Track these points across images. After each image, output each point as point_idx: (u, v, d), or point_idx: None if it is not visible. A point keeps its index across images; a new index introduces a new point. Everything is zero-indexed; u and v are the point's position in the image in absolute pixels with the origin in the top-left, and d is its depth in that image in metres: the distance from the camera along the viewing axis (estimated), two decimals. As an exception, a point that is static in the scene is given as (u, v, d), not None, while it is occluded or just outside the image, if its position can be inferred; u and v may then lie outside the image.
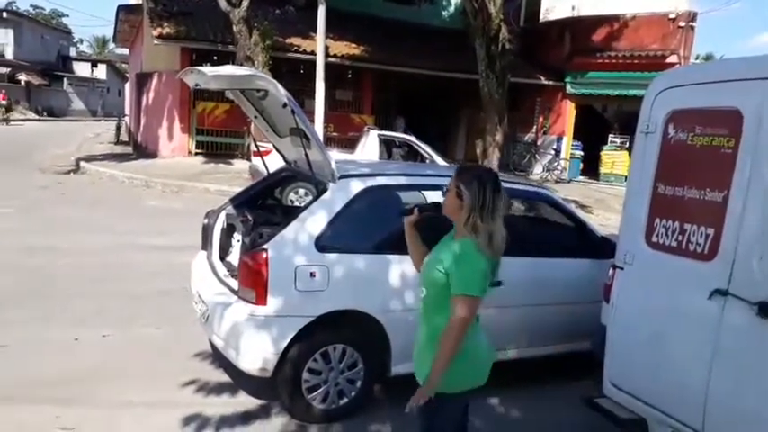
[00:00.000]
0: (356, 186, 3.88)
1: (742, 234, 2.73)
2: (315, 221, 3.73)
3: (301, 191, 8.99)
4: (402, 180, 4.28)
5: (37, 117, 38.27)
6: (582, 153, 19.21)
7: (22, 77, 40.67)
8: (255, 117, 4.67)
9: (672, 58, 16.87)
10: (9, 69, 40.31)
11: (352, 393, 3.85)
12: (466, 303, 2.37)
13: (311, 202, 3.86)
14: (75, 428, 3.49)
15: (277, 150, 4.86)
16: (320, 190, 3.89)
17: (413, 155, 11.98)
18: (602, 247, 4.30)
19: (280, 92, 3.66)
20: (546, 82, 19.27)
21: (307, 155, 3.93)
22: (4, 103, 34.28)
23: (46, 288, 5.93)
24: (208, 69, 3.79)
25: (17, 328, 4.87)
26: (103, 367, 4.31)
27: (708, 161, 2.95)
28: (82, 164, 15.42)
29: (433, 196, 4.41)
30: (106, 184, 13.64)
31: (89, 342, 4.72)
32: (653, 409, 3.10)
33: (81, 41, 65.20)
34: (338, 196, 3.82)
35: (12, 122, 31.75)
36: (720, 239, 2.83)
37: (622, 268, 3.37)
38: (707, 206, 2.91)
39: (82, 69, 51.17)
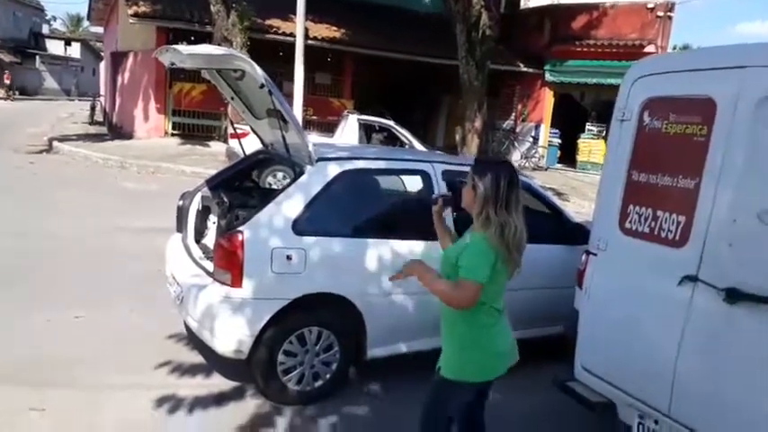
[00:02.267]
0: (333, 169, 3.86)
1: (712, 221, 2.78)
2: (292, 204, 3.71)
3: (280, 174, 8.90)
4: (380, 164, 4.28)
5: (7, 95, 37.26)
6: (560, 141, 19.37)
7: (-7, 55, 39.55)
8: (232, 98, 4.61)
9: (649, 48, 17.03)
10: (-21, 46, 39.20)
11: (328, 376, 3.87)
12: (469, 286, 2.40)
13: (288, 185, 3.84)
14: (47, 409, 3.45)
15: (254, 132, 4.82)
16: (297, 172, 3.87)
17: (392, 140, 11.95)
18: (576, 234, 4.35)
19: (257, 72, 3.62)
20: (525, 69, 19.32)
21: (284, 137, 3.90)
22: (7, 82, 36.76)
23: (21, 272, 5.80)
24: (183, 48, 3.72)
25: (-12, 311, 4.78)
26: (76, 349, 4.25)
27: (681, 149, 2.99)
28: (55, 144, 15.09)
29: (410, 181, 4.44)
30: (80, 164, 13.38)
31: (62, 324, 4.65)
32: (621, 392, 3.15)
33: (54, 19, 63.25)
34: (315, 179, 3.80)
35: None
36: (691, 226, 2.87)
37: (596, 254, 3.41)
38: (679, 193, 2.95)
39: (55, 47, 49.84)
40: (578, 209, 11.67)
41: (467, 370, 2.55)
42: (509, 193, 2.45)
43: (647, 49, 16.94)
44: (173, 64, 3.99)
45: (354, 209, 4.11)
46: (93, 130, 19.70)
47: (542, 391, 3.64)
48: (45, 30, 52.98)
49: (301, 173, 3.84)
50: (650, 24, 17.59)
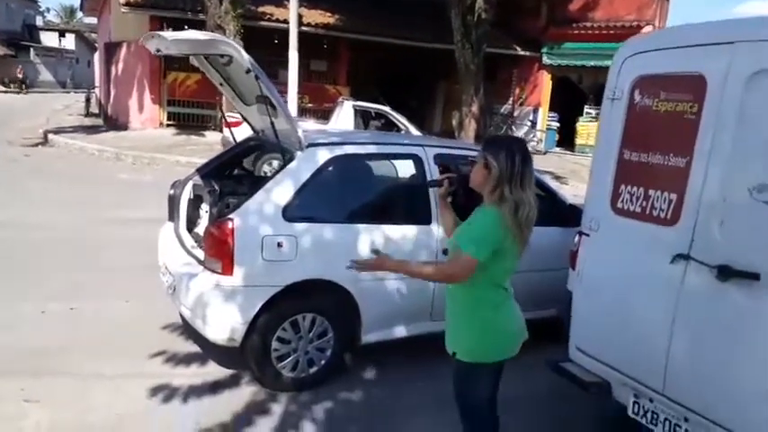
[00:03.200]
0: (324, 155, 3.83)
1: (703, 199, 2.76)
2: (281, 191, 3.68)
3: (275, 162, 8.85)
4: (370, 149, 4.24)
5: (3, 89, 37.13)
6: (558, 124, 19.28)
7: (-14, 47, 39.38)
8: (221, 84, 4.57)
9: (647, 29, 16.88)
10: (-28, 39, 39.01)
11: (322, 362, 3.86)
12: (463, 260, 2.39)
13: (278, 171, 3.81)
14: (41, 400, 3.45)
15: (244, 119, 4.78)
16: (287, 159, 3.83)
17: (389, 126, 11.89)
18: (569, 215, 4.32)
19: (243, 57, 3.57)
20: (522, 53, 19.20)
21: (272, 123, 3.86)
22: (20, 75, 38.88)
23: (14, 262, 5.80)
24: (168, 34, 3.67)
25: (-20, 302, 4.77)
26: (71, 340, 4.25)
27: (672, 127, 2.96)
28: (50, 136, 15.05)
29: (402, 165, 4.40)
30: (76, 156, 13.34)
31: (57, 315, 4.64)
32: (616, 371, 3.15)
33: (48, 10, 63.41)
34: (305, 165, 3.77)
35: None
36: (683, 205, 2.85)
37: (588, 235, 3.39)
38: (670, 172, 2.92)
39: (49, 39, 49.59)
40: (577, 191, 11.61)
41: (485, 351, 2.54)
42: (523, 170, 2.42)
43: (644, 30, 16.79)
44: (158, 51, 3.94)
45: (345, 194, 4.08)
46: (88, 121, 19.63)
47: (538, 372, 3.63)
48: (39, 21, 52.70)
49: (291, 159, 3.81)
50: (647, 5, 17.47)
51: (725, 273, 2.63)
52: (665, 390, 2.89)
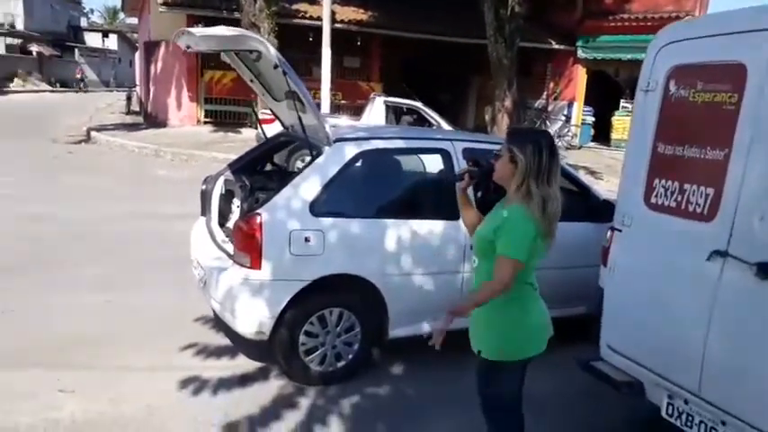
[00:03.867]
0: (351, 150, 3.82)
1: (743, 194, 2.64)
2: (309, 186, 3.69)
3: (308, 158, 8.92)
4: (398, 143, 4.21)
5: (50, 88, 38.30)
6: (593, 119, 18.89)
7: (34, 48, 40.59)
8: (252, 81, 4.60)
9: (687, 20, 16.42)
10: (20, 40, 40.26)
11: (350, 356, 3.86)
12: (508, 265, 2.31)
13: (305, 167, 3.81)
14: (75, 391, 3.53)
15: (274, 115, 4.81)
16: (315, 154, 3.84)
17: (421, 122, 11.84)
18: (603, 211, 4.22)
19: (270, 52, 3.59)
20: (557, 46, 18.87)
21: (300, 118, 3.86)
22: (78, 76, 40.74)
23: (52, 255, 5.99)
24: (196, 30, 3.71)
25: (23, 295, 4.92)
26: (105, 332, 4.35)
27: (709, 119, 2.85)
28: (93, 134, 15.46)
29: (430, 159, 4.36)
30: (116, 153, 13.68)
31: (92, 307, 4.76)
32: (649, 371, 3.06)
33: (92, 11, 65.08)
34: (333, 160, 3.76)
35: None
36: (720, 199, 2.74)
37: (620, 230, 3.30)
38: (707, 165, 2.82)
39: (93, 40, 51.00)
40: (612, 187, 11.36)
41: (512, 349, 2.49)
42: (551, 165, 2.35)
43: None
44: (188, 47, 3.98)
45: (373, 189, 4.06)
46: (129, 119, 20.09)
47: (567, 371, 3.55)
48: (83, 22, 54.21)
49: (319, 154, 3.81)
50: (687, -5, 16.96)
51: (765, 270, 2.52)
52: (701, 391, 2.79)
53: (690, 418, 2.87)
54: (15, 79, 35.69)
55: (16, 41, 39.98)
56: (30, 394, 3.46)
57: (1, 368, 3.73)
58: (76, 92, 37.74)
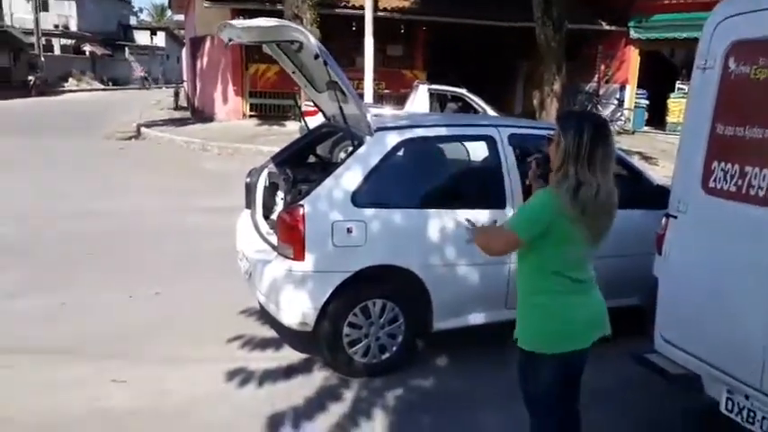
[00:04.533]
0: (393, 139, 3.76)
1: (810, 176, 2.47)
2: (351, 176, 3.66)
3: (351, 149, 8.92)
4: (441, 131, 4.13)
5: (102, 87, 39.58)
6: (647, 102, 18.24)
7: (87, 48, 42.05)
8: (294, 72, 4.59)
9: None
10: (74, 41, 41.75)
11: (394, 348, 3.83)
12: (500, 233, 2.39)
13: (347, 157, 3.78)
14: (128, 381, 3.61)
15: (317, 106, 4.79)
16: (356, 144, 3.80)
17: (467, 109, 11.67)
18: (657, 197, 4.03)
19: (311, 42, 3.55)
20: (608, 27, 18.24)
21: (341, 108, 3.83)
22: (143, 74, 43.89)
23: (104, 249, 6.16)
24: (237, 22, 3.72)
25: (75, 287, 5.08)
26: (154, 324, 4.44)
27: (772, 96, 2.67)
28: (143, 130, 15.87)
29: (475, 147, 4.27)
30: (165, 148, 14.00)
31: (143, 299, 4.87)
32: (707, 365, 2.91)
33: (141, 10, 66.74)
34: (374, 150, 3.72)
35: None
36: (785, 183, 2.57)
37: (676, 217, 3.14)
38: (771, 146, 2.64)
39: (142, 38, 52.40)
40: (668, 173, 10.95)
41: (542, 340, 2.40)
42: (592, 149, 2.22)
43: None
44: (231, 40, 4.00)
45: (415, 179, 4.00)
46: (177, 115, 20.54)
47: (619, 363, 3.42)
48: (132, 21, 55.69)
49: (360, 144, 3.77)
50: (748, -32, 16.10)
51: (834, 258, 2.35)
52: (764, 386, 2.63)
53: (751, 413, 2.71)
54: (70, 79, 37.04)
55: (70, 42, 41.48)
56: (83, 384, 3.57)
57: (55, 359, 3.86)
58: (138, 89, 39.62)
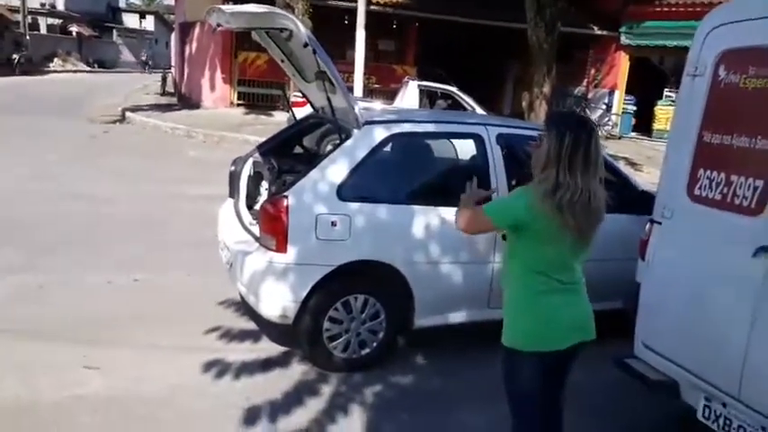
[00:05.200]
0: (380, 133, 3.73)
1: (795, 187, 2.48)
2: (337, 169, 3.62)
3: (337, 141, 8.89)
4: (429, 127, 4.11)
5: (88, 69, 38.99)
6: (635, 108, 18.39)
7: (74, 29, 41.32)
8: (282, 61, 4.54)
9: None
10: (61, 21, 41.06)
11: (374, 344, 3.80)
12: (475, 213, 2.44)
13: (333, 149, 3.74)
14: (102, 368, 3.55)
15: (304, 96, 4.74)
16: (344, 137, 3.76)
17: (456, 107, 11.67)
18: (641, 202, 4.05)
19: (300, 30, 3.51)
20: (599, 32, 18.35)
21: (329, 99, 3.78)
22: (144, 58, 43.98)
23: (84, 234, 6.07)
24: (227, 7, 3.66)
25: (54, 271, 4.99)
26: (132, 311, 4.37)
27: (761, 106, 2.68)
28: (128, 114, 15.65)
29: (463, 145, 4.24)
30: (150, 133, 13.83)
31: (121, 286, 4.80)
32: (686, 372, 2.92)
33: (130, -8, 65.68)
34: (361, 143, 3.68)
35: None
36: (770, 193, 2.58)
37: (660, 223, 3.15)
38: (757, 156, 2.65)
39: (131, 21, 51.69)
40: (653, 179, 11.05)
41: (520, 337, 2.39)
42: (574, 151, 2.20)
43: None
44: (219, 25, 3.93)
45: (402, 174, 3.97)
46: (164, 100, 20.28)
47: (600, 368, 3.43)
48: (121, 3, 54.90)
49: (348, 137, 3.73)
50: (739, -21, 16.25)
51: (816, 269, 2.36)
52: (741, 395, 2.65)
53: (728, 421, 2.73)
54: (55, 59, 36.40)
55: (57, 22, 40.78)
56: (56, 369, 3.50)
57: (29, 342, 3.78)
58: (141, 73, 39.66)
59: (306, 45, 3.55)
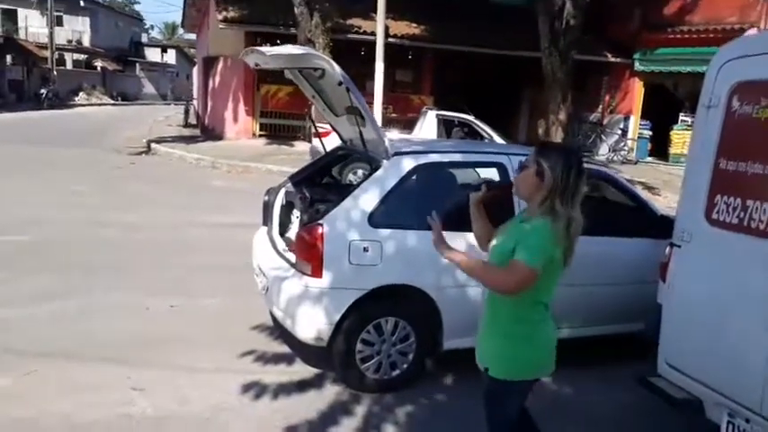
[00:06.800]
0: (408, 163, 3.92)
1: (808, 211, 2.62)
2: (368, 198, 3.81)
3: (360, 171, 9.07)
4: (455, 157, 4.30)
5: (112, 102, 40.03)
6: (650, 133, 18.48)
7: (98, 63, 42.64)
8: (313, 96, 4.77)
9: (751, 32, 15.88)
10: (86, 56, 42.37)
11: (405, 366, 3.94)
12: (523, 271, 2.24)
13: (365, 179, 3.94)
14: (146, 389, 3.73)
15: (334, 129, 4.96)
16: (374, 167, 3.96)
17: (473, 135, 11.88)
18: (660, 227, 4.18)
19: (335, 70, 3.74)
20: (613, 59, 18.57)
21: (361, 133, 4.00)
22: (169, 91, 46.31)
23: (119, 260, 6.30)
24: (266, 49, 3.90)
25: (92, 295, 5.23)
26: (170, 334, 4.56)
27: (773, 135, 2.83)
28: (153, 145, 16.09)
29: (487, 173, 4.42)
30: (176, 164, 14.20)
31: (158, 310, 5.00)
32: (709, 389, 3.03)
33: (152, 27, 67.72)
34: (391, 173, 3.88)
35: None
36: (785, 216, 2.72)
37: (680, 246, 3.29)
38: (771, 182, 2.80)
39: (153, 55, 53.11)
40: (670, 203, 11.11)
41: (520, 368, 2.44)
42: (577, 184, 2.31)
43: (747, 33, 15.84)
44: (257, 65, 4.18)
45: (430, 202, 4.11)
46: (187, 132, 20.80)
47: (623, 388, 3.54)
48: (144, 38, 56.49)
49: (378, 167, 3.93)
50: (751, 6, 16.40)
51: (831, 289, 2.49)
52: (763, 410, 2.75)
53: (751, 437, 2.83)
54: (81, 93, 37.51)
55: (82, 57, 42.07)
56: (103, 389, 3.69)
57: (77, 363, 3.99)
58: (167, 104, 41.09)
59: (340, 83, 3.77)
